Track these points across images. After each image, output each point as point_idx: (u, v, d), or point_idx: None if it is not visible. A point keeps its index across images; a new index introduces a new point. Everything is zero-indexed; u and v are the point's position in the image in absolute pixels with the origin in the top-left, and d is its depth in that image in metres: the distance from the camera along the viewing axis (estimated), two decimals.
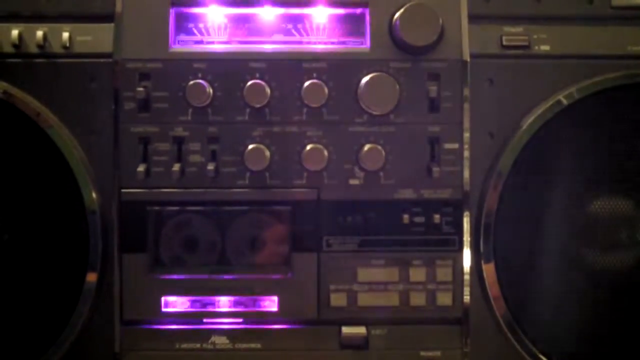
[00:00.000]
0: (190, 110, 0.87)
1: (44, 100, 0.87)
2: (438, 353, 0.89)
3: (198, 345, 0.88)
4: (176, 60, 0.87)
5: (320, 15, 0.89)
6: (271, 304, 0.88)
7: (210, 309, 0.88)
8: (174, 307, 0.88)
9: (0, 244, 0.87)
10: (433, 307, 0.88)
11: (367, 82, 0.86)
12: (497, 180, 0.88)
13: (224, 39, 0.89)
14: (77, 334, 0.87)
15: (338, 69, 0.87)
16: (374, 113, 0.87)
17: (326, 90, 0.86)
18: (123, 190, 0.87)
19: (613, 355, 0.90)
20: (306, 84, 0.86)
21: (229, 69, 0.87)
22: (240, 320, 0.88)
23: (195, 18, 0.89)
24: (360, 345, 0.88)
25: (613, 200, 0.89)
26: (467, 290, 0.88)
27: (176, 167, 0.86)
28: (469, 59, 0.88)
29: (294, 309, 0.88)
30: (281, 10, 0.89)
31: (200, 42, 0.89)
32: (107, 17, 0.88)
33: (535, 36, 0.90)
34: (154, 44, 0.87)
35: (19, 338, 0.88)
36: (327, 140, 0.87)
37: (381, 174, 0.88)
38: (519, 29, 0.90)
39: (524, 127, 0.88)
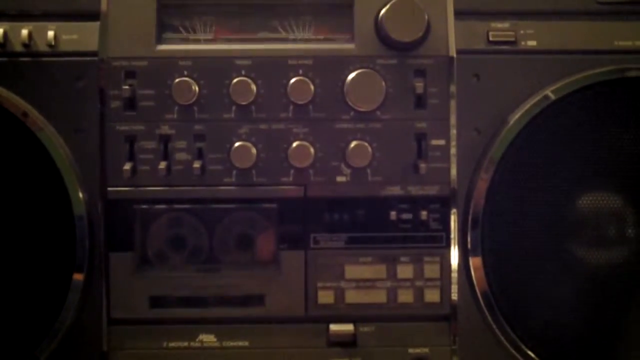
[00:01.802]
0: (176, 108, 0.87)
1: (29, 99, 0.87)
2: (426, 350, 0.89)
3: (186, 344, 0.88)
4: (162, 58, 0.87)
5: (306, 12, 0.89)
6: (259, 301, 0.88)
7: (197, 307, 0.88)
8: (161, 305, 0.88)
9: None
10: (421, 304, 0.88)
11: (354, 79, 0.86)
12: (484, 176, 0.87)
13: (210, 36, 0.89)
14: (65, 333, 0.87)
15: (324, 65, 0.87)
16: (361, 110, 0.87)
17: (312, 87, 0.86)
18: (109, 189, 0.87)
19: (601, 351, 0.90)
20: (292, 81, 0.86)
21: (215, 67, 0.87)
22: (227, 318, 0.88)
23: (181, 16, 0.89)
24: (348, 342, 0.88)
25: (601, 195, 0.89)
26: (454, 288, 0.88)
27: (162, 165, 0.86)
28: (455, 55, 0.88)
29: (282, 307, 0.88)
30: (267, 8, 0.89)
31: (186, 40, 0.88)
32: (93, 16, 0.88)
33: (521, 31, 0.89)
34: (140, 42, 0.87)
35: (6, 337, 0.88)
36: (313, 137, 0.87)
37: (368, 170, 0.87)
38: (505, 24, 0.89)
39: (511, 122, 0.88)
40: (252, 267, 0.88)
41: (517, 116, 0.88)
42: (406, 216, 0.88)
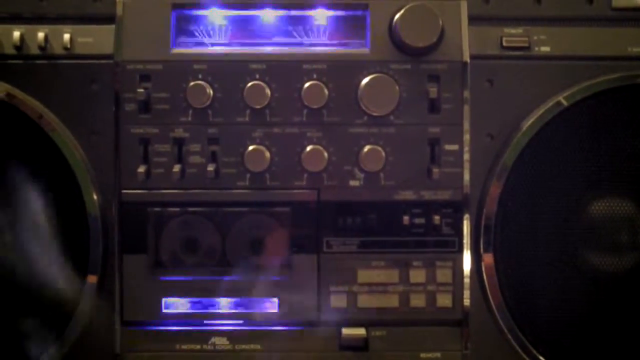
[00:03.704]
0: (190, 112, 0.87)
1: (45, 102, 0.88)
2: (438, 355, 0.89)
3: (198, 347, 0.89)
4: (177, 61, 0.87)
5: (321, 17, 0.89)
6: (271, 305, 0.88)
7: (210, 310, 0.88)
8: (174, 308, 0.88)
9: (1, 245, 0.88)
10: (433, 309, 0.88)
11: (367, 84, 0.86)
12: (497, 182, 0.88)
13: (225, 40, 0.89)
14: (78, 335, 0.88)
15: (338, 70, 0.87)
16: (374, 114, 0.87)
17: (326, 91, 0.87)
18: (123, 192, 0.87)
19: (613, 357, 0.89)
20: (306, 85, 0.87)
21: (229, 70, 0.87)
22: (240, 321, 0.88)
23: (196, 20, 0.89)
24: (360, 346, 0.88)
25: (613, 201, 0.89)
26: (467, 293, 0.88)
27: (176, 168, 0.86)
28: (469, 60, 0.88)
29: (294, 311, 0.88)
30: (282, 12, 0.90)
31: (201, 43, 0.89)
32: (108, 19, 0.89)
33: (535, 37, 0.90)
34: (155, 46, 0.87)
35: (20, 339, 0.88)
36: (327, 141, 0.87)
37: (381, 175, 0.88)
38: (519, 30, 0.90)
39: (524, 128, 0.88)
40: (264, 270, 0.88)
41: (529, 122, 0.88)
42: (419, 221, 0.88)
